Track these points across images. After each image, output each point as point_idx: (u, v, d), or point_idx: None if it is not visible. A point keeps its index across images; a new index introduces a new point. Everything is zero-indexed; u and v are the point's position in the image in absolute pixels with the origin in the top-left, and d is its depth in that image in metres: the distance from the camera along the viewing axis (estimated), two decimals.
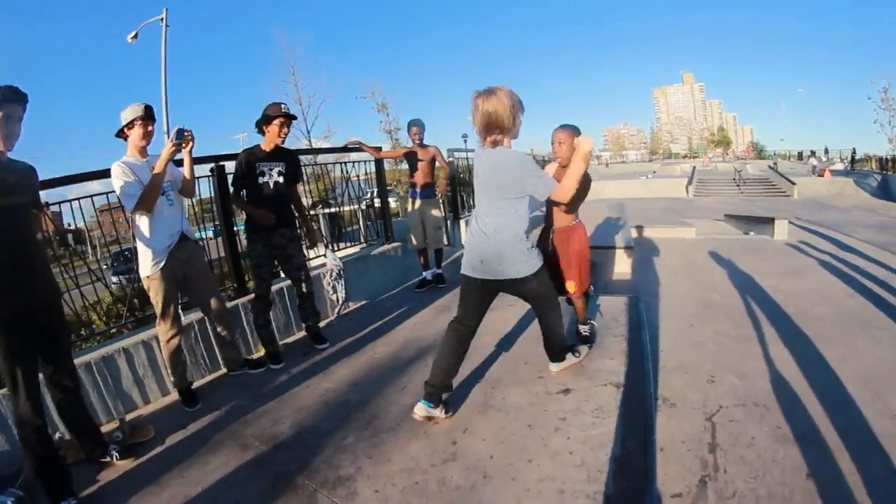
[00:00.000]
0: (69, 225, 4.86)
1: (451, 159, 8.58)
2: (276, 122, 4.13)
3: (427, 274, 6.23)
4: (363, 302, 5.99)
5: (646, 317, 4.55)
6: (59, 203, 3.98)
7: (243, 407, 3.70)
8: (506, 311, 4.68)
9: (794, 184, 27.79)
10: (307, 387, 3.90)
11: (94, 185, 4.27)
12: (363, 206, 8.38)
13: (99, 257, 5.82)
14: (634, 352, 3.81)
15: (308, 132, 25.88)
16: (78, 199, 4.08)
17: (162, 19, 18.42)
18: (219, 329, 4.05)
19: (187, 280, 3.73)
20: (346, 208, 8.04)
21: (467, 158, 9.55)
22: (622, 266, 7.04)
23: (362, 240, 7.22)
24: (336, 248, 6.22)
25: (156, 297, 3.59)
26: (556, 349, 3.51)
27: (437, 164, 6.08)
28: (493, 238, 3.01)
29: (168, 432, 3.46)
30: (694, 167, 41.07)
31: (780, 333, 4.27)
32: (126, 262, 5.58)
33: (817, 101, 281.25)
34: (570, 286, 3.79)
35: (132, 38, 18.80)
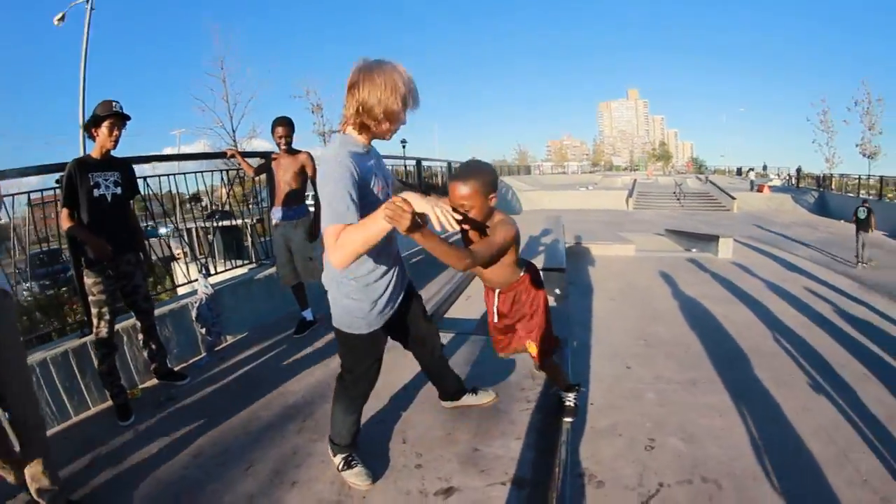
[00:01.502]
0: None
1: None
2: (106, 123, 3.39)
3: (307, 314, 5.03)
4: (244, 334, 5.03)
5: (574, 361, 3.92)
6: None
7: (77, 475, 2.98)
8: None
9: (734, 198, 28.23)
10: (148, 454, 3.11)
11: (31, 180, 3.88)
12: (253, 221, 7.44)
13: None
14: (551, 424, 3.05)
15: (234, 131, 25.05)
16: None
17: (87, 0, 17.20)
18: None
19: None
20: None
21: (405, 165, 9.21)
22: (550, 290, 6.29)
23: (253, 259, 6.35)
24: (213, 272, 5.28)
25: None
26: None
27: (307, 175, 4.97)
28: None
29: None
30: (635, 180, 41.39)
31: (731, 377, 3.74)
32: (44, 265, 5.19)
33: (758, 120, 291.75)
34: (531, 348, 2.81)
35: (59, 19, 17.69)
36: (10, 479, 2.49)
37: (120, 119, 3.44)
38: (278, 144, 4.78)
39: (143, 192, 4.58)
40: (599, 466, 2.72)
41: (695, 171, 72.27)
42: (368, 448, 2.83)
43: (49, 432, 3.47)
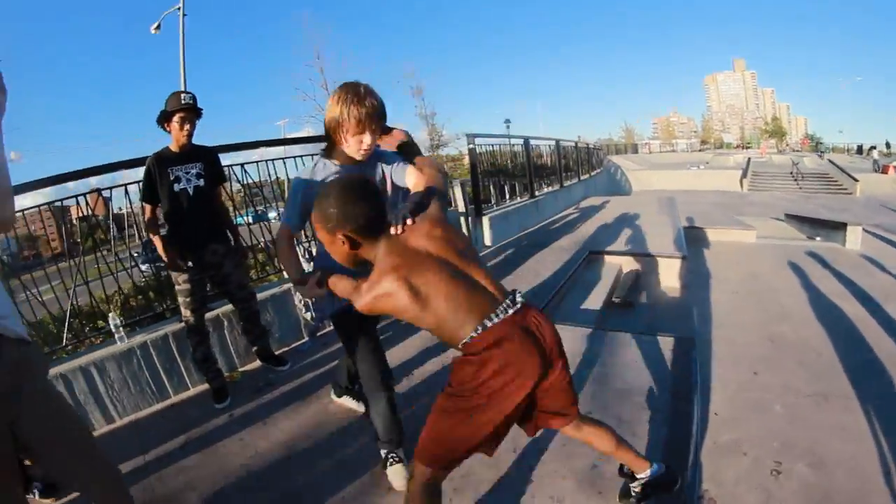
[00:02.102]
0: (119, 209, 4.72)
1: (471, 146, 7.56)
2: (176, 118, 3.27)
3: None
4: None
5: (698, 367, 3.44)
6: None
7: (168, 455, 3.05)
8: None
9: (856, 180, 25.62)
10: (240, 440, 3.10)
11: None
12: None
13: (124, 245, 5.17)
14: (679, 440, 2.67)
15: None
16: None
17: (179, 8, 17.79)
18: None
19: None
20: None
21: (492, 146, 8.60)
22: (670, 278, 5.92)
23: None
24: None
25: None
26: None
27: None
28: None
29: None
30: (749, 158, 38.57)
31: (868, 392, 3.14)
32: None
33: (879, 91, 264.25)
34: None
35: (155, 28, 18.36)
36: None
37: (190, 112, 3.31)
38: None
39: (254, 178, 4.77)
40: (720, 490, 2.34)
41: (811, 149, 67.75)
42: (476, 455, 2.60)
43: (147, 412, 3.64)
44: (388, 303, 1.65)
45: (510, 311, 1.67)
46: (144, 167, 3.33)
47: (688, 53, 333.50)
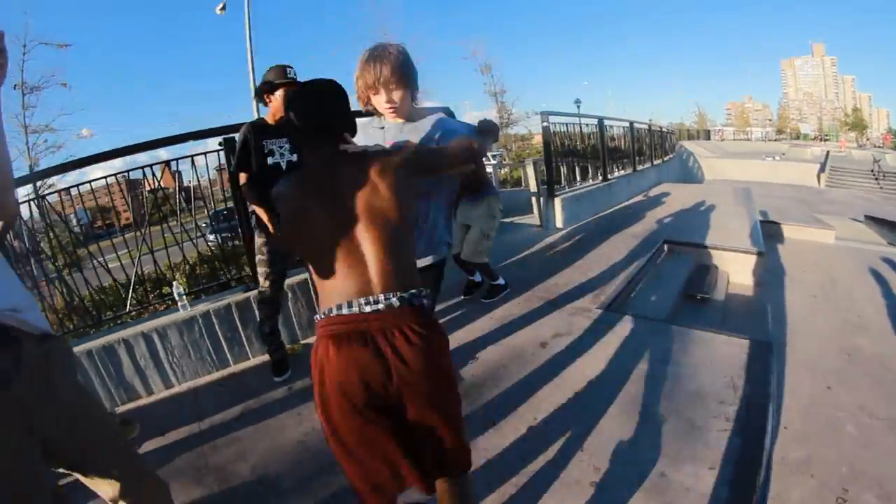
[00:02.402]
0: (189, 182, 4.68)
1: (545, 124, 7.35)
2: (280, 92, 3.19)
3: (476, 277, 4.88)
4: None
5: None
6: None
7: (224, 425, 3.10)
8: None
9: None
10: (297, 414, 3.10)
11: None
12: None
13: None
14: (751, 454, 2.46)
15: None
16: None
17: None
18: None
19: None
20: None
21: (564, 125, 8.31)
22: (744, 275, 5.61)
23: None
24: None
25: None
26: None
27: None
28: None
29: (148, 436, 3.08)
30: (828, 152, 36.71)
31: None
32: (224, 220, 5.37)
33: None
34: None
35: (220, 9, 18.30)
36: None
37: (294, 86, 3.17)
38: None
39: None
40: None
41: (893, 146, 64.42)
42: (539, 449, 2.53)
43: (205, 379, 3.71)
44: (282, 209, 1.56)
45: (364, 309, 1.41)
46: (240, 135, 3.25)
47: (765, 33, 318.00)
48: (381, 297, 1.40)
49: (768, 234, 7.33)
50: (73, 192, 3.98)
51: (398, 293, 1.42)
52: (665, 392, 2.95)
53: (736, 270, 5.68)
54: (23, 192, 4.20)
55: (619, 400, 2.91)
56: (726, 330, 3.79)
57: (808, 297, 4.95)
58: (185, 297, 3.74)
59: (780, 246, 7.00)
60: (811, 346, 3.78)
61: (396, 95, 2.06)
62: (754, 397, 2.87)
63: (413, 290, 1.46)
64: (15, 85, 12.96)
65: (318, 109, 1.60)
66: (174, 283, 3.77)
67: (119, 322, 3.96)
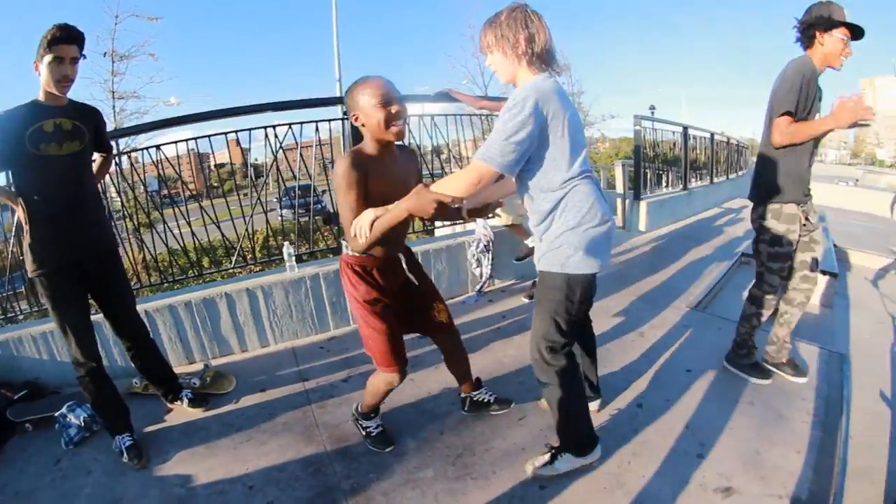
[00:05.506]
0: (255, 160, 5.20)
1: (637, 128, 7.45)
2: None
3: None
4: (510, 282, 5.00)
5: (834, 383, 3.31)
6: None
7: (330, 386, 3.29)
8: None
9: None
10: (410, 380, 3.04)
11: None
12: None
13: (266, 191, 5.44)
14: (828, 444, 2.62)
15: (485, 87, 25.29)
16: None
17: None
18: None
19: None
20: None
21: (654, 129, 8.33)
22: (814, 295, 5.58)
23: None
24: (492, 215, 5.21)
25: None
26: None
27: None
28: None
29: (246, 391, 3.27)
30: None
31: None
32: (295, 197, 5.90)
33: None
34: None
35: None
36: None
37: None
38: None
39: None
40: None
41: None
42: (648, 422, 2.77)
43: (304, 341, 3.92)
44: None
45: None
46: None
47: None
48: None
49: (838, 258, 7.29)
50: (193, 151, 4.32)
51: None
52: (752, 385, 3.12)
53: None
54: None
55: (713, 387, 3.10)
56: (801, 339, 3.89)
57: (876, 323, 4.98)
58: (293, 257, 3.90)
59: (847, 272, 6.95)
60: (878, 367, 3.85)
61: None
62: (832, 397, 3.05)
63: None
64: (105, 52, 13.53)
65: None
66: (285, 244, 3.94)
67: (223, 276, 4.25)
